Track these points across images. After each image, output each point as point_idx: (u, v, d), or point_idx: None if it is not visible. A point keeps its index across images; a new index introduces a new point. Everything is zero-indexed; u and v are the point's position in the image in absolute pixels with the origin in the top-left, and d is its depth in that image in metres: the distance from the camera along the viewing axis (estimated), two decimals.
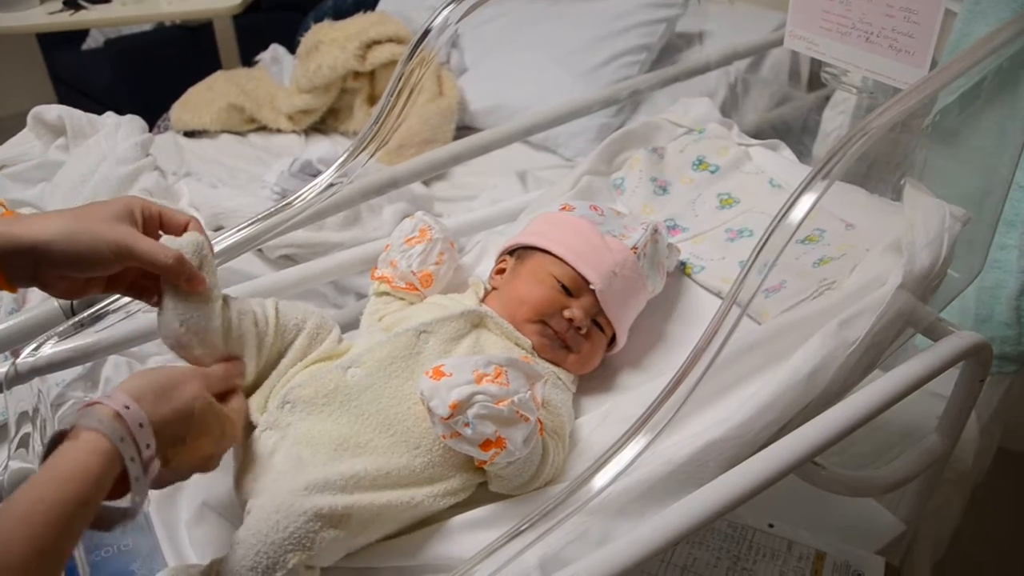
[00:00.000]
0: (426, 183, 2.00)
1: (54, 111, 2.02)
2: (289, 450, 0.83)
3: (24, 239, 0.75)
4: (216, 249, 1.05)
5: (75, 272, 0.79)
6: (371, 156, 1.18)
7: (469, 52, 2.45)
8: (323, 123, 2.41)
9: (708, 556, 1.16)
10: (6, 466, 0.95)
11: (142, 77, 3.23)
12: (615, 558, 0.76)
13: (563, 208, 1.08)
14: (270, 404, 0.88)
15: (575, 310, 0.97)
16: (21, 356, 0.99)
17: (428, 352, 0.92)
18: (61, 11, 2.81)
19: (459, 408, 0.75)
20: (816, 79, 1.59)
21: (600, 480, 0.75)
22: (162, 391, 0.73)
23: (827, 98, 1.60)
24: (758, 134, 1.40)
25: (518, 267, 1.03)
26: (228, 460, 0.95)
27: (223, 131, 2.41)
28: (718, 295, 1.13)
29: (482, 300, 1.04)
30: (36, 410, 0.98)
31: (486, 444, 0.77)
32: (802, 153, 1.35)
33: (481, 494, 0.87)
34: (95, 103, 3.10)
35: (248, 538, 0.75)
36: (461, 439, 0.77)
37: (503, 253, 1.08)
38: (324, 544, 0.76)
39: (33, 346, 0.99)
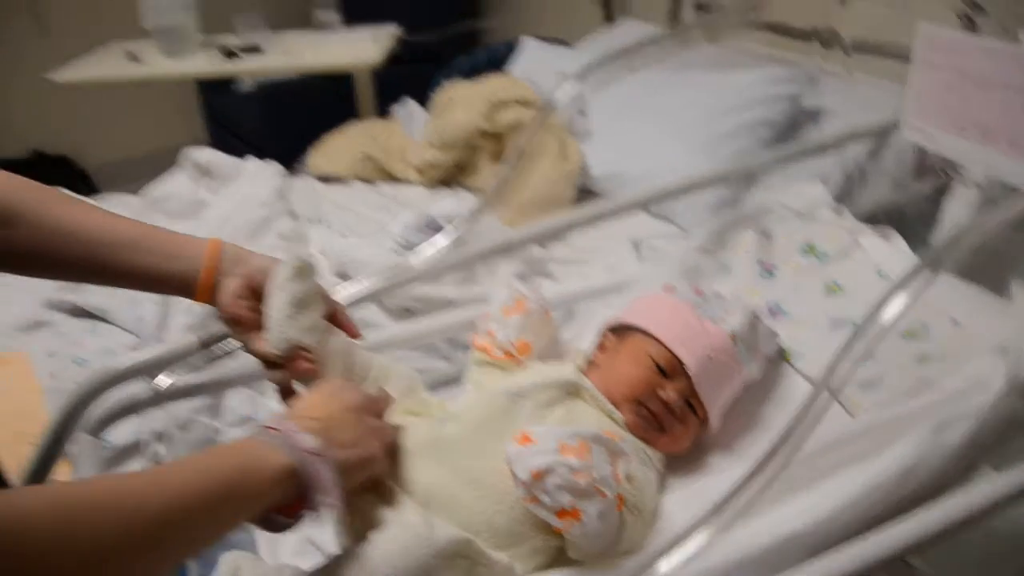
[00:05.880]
0: (542, 244, 2.05)
1: (205, 154, 2.20)
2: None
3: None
4: (341, 299, 1.13)
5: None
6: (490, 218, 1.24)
7: (594, 117, 2.50)
8: (450, 177, 2.51)
9: None
10: None
11: (287, 121, 3.44)
12: None
13: (665, 289, 1.11)
14: None
15: (669, 391, 0.99)
16: (157, 382, 1.09)
17: (521, 416, 0.97)
18: (218, 59, 3.05)
19: (539, 476, 0.79)
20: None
21: (669, 563, 0.78)
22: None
23: (946, 186, 1.57)
24: (871, 220, 1.39)
25: (618, 345, 1.07)
26: None
27: (356, 178, 2.53)
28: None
29: (583, 372, 1.06)
30: (166, 432, 1.08)
31: (562, 513, 0.81)
32: (915, 244, 1.33)
33: (558, 558, 0.89)
34: (242, 143, 3.32)
35: (375, 557, 0.78)
36: (539, 504, 0.82)
37: (605, 329, 1.11)
38: None
39: (170, 380, 1.09)
